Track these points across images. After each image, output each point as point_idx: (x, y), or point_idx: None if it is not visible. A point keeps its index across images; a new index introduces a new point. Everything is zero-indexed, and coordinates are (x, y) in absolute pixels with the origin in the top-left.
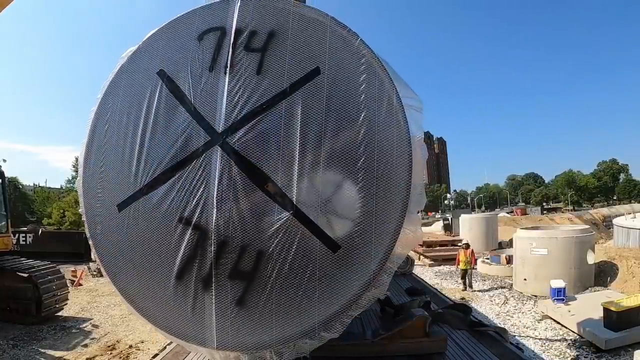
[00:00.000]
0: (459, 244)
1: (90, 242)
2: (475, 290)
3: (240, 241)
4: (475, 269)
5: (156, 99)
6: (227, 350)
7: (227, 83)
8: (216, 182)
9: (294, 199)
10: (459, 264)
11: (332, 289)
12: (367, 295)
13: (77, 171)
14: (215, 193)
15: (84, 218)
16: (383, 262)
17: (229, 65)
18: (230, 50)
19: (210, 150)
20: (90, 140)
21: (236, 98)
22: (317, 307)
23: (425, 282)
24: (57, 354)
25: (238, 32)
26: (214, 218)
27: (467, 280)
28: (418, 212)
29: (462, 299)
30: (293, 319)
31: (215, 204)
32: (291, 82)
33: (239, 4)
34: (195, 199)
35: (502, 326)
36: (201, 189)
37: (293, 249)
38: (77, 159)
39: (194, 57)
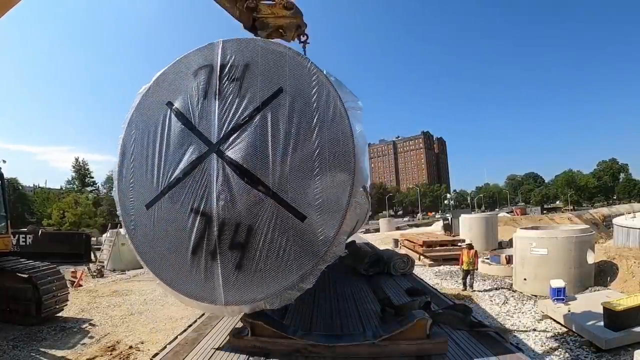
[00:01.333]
0: (460, 244)
1: (126, 235)
2: (474, 291)
3: (234, 220)
4: (477, 269)
5: (167, 123)
6: (233, 305)
7: (217, 106)
8: (214, 179)
9: (270, 185)
10: (462, 264)
11: (304, 249)
12: (330, 252)
13: (76, 171)
14: (214, 188)
15: (120, 218)
16: (339, 227)
17: (217, 92)
18: (217, 81)
19: (209, 157)
20: (121, 160)
21: (224, 116)
22: (294, 265)
23: (425, 283)
24: (57, 354)
25: (222, 67)
26: (215, 206)
27: (468, 280)
28: (362, 188)
29: (462, 299)
30: (278, 276)
31: (215, 195)
32: (262, 100)
33: (221, 46)
34: (201, 193)
35: (502, 326)
36: (205, 186)
37: (272, 222)
38: (76, 159)
39: (192, 89)
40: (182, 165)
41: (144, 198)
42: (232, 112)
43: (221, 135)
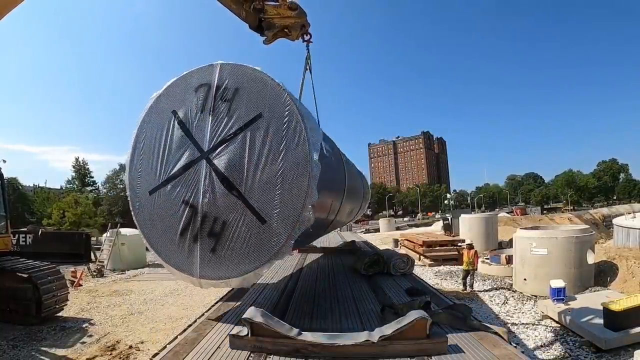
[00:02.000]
0: (460, 244)
1: (132, 213)
2: (474, 290)
3: (214, 214)
4: (477, 269)
5: (171, 128)
6: (205, 279)
7: (210, 121)
8: (202, 180)
9: (242, 191)
10: (464, 265)
11: (262, 246)
12: (280, 252)
13: (76, 171)
14: (202, 186)
15: (129, 198)
16: (289, 234)
17: (211, 109)
18: (212, 99)
19: (200, 162)
20: (132, 151)
21: (215, 130)
22: (253, 256)
23: (425, 283)
24: (57, 354)
25: (217, 87)
26: (201, 201)
27: (468, 280)
28: (311, 206)
29: (462, 299)
30: (241, 263)
31: (202, 193)
32: (245, 122)
33: (218, 68)
34: (191, 189)
35: (502, 326)
36: (195, 184)
37: (241, 220)
38: (76, 159)
39: (192, 102)
40: (179, 165)
41: (148, 185)
42: (221, 128)
43: (211, 146)
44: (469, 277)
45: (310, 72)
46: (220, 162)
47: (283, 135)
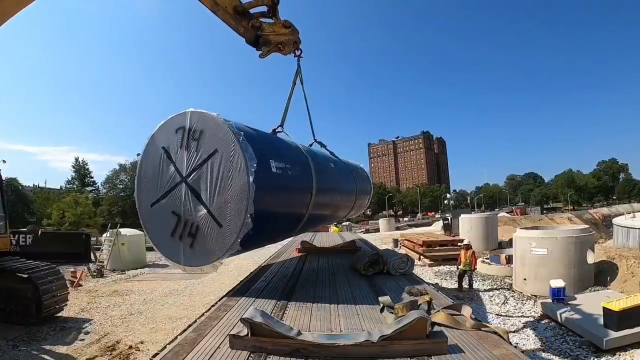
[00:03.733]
0: (460, 244)
1: (140, 220)
2: (472, 289)
3: (191, 221)
4: (475, 269)
5: (162, 159)
6: (187, 266)
7: (186, 154)
8: (183, 196)
9: (207, 204)
10: (460, 264)
11: (220, 243)
12: (232, 249)
13: (76, 171)
14: (182, 201)
15: (138, 209)
16: (236, 236)
17: (186, 146)
18: (187, 139)
19: (181, 183)
20: (138, 173)
21: (189, 161)
22: (216, 251)
23: (425, 282)
24: (57, 354)
25: (189, 130)
26: (182, 211)
27: (466, 280)
28: (241, 232)
29: (462, 299)
30: (208, 254)
31: (182, 205)
32: (208, 155)
33: (189, 115)
34: (177, 203)
35: (502, 326)
36: (179, 199)
37: (207, 225)
38: (76, 159)
39: (174, 141)
40: (168, 185)
41: (149, 199)
42: (193, 159)
43: (187, 172)
44: (466, 277)
45: (302, 83)
46: (193, 183)
47: (231, 165)
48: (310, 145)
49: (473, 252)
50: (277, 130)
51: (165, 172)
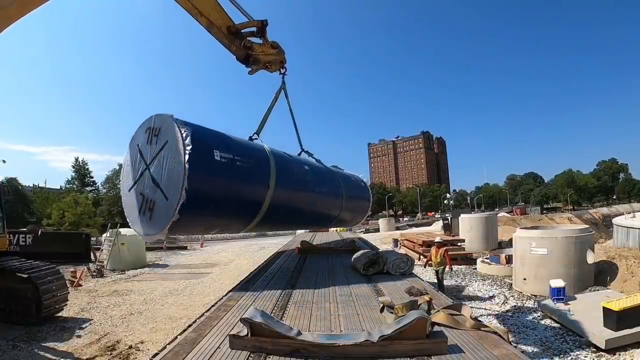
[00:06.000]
0: (459, 244)
1: (122, 204)
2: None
3: (151, 198)
4: (451, 269)
5: (137, 153)
6: (147, 236)
7: (149, 147)
8: (146, 180)
9: (160, 184)
10: (428, 263)
11: (167, 214)
12: (175, 213)
13: (76, 171)
14: (146, 184)
15: (121, 194)
16: (175, 208)
17: (149, 142)
18: (150, 136)
19: (146, 170)
20: (124, 166)
21: (151, 152)
22: (164, 220)
23: (425, 282)
24: (57, 354)
25: (152, 128)
26: (146, 192)
27: (437, 279)
28: (180, 203)
29: (462, 298)
30: (161, 224)
31: (146, 187)
32: (161, 146)
33: (153, 118)
34: (143, 186)
35: (502, 326)
36: (144, 182)
37: (160, 199)
38: (76, 159)
39: (144, 139)
40: (139, 172)
41: (128, 185)
42: (154, 150)
43: (150, 161)
44: (438, 278)
45: (287, 97)
46: (153, 168)
47: (174, 151)
48: (299, 154)
49: (446, 249)
50: (252, 138)
51: (137, 164)
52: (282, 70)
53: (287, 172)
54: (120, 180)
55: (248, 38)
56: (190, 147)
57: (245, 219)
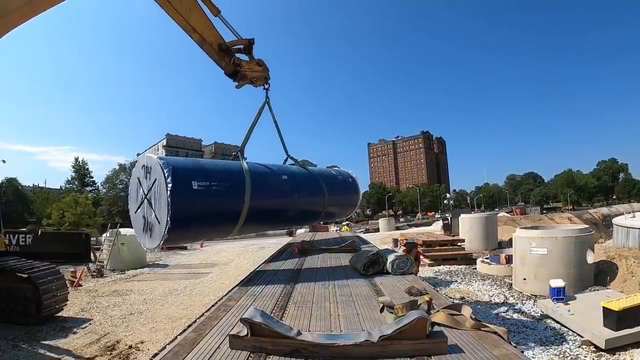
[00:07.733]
0: (459, 244)
1: (131, 218)
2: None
3: (149, 221)
4: (418, 271)
5: (137, 184)
6: (149, 248)
7: (145, 182)
8: (146, 206)
9: (155, 210)
10: None
11: (160, 232)
12: (166, 233)
13: (76, 171)
14: (146, 209)
15: (130, 214)
16: (166, 225)
17: (145, 177)
18: (145, 172)
19: (145, 199)
20: (129, 192)
21: (147, 185)
22: (160, 234)
23: (425, 282)
24: (57, 354)
25: (145, 166)
26: (146, 215)
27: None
28: (167, 227)
29: (462, 298)
30: (156, 240)
31: (146, 211)
32: (152, 182)
33: (145, 158)
34: (144, 210)
35: (502, 326)
36: (145, 208)
37: (156, 223)
38: (76, 159)
39: (141, 174)
40: (140, 200)
41: (134, 208)
42: (149, 184)
43: (147, 192)
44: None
45: (271, 110)
46: (150, 198)
47: (161, 187)
48: (285, 161)
49: (417, 252)
50: (235, 155)
51: (138, 192)
52: (266, 86)
53: (263, 186)
54: (128, 199)
55: (236, 54)
56: (171, 184)
57: (227, 227)
